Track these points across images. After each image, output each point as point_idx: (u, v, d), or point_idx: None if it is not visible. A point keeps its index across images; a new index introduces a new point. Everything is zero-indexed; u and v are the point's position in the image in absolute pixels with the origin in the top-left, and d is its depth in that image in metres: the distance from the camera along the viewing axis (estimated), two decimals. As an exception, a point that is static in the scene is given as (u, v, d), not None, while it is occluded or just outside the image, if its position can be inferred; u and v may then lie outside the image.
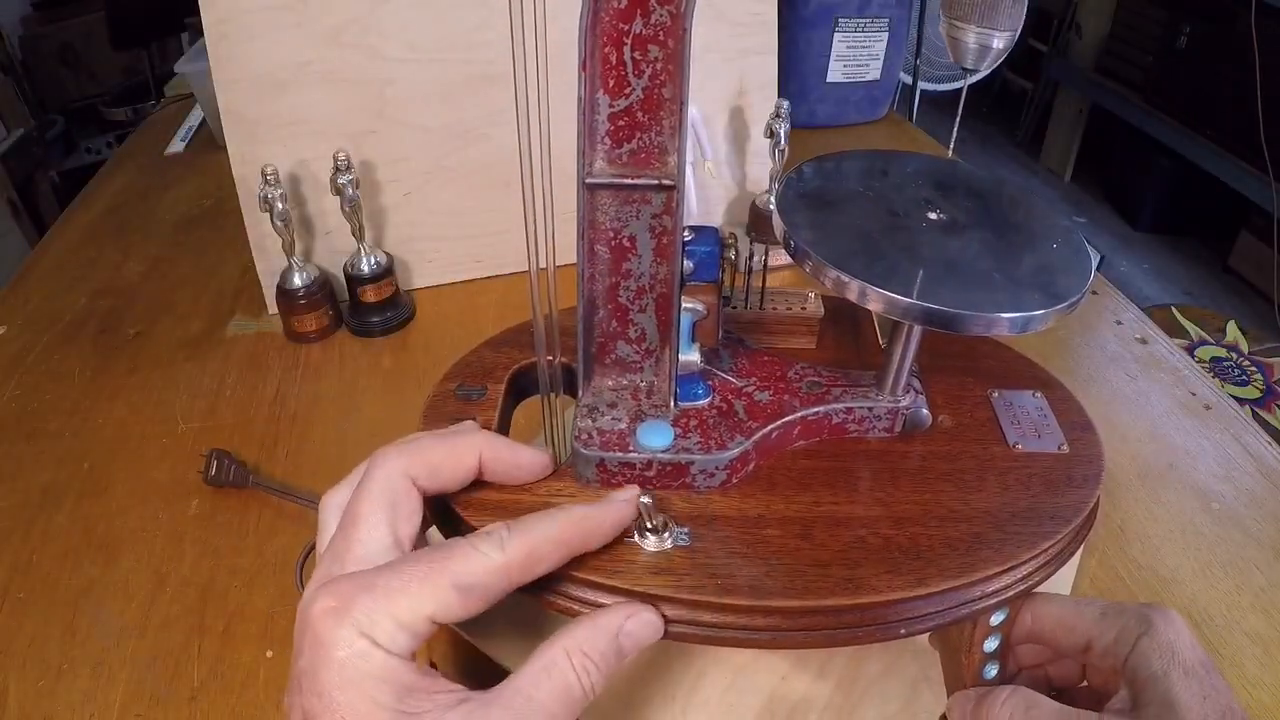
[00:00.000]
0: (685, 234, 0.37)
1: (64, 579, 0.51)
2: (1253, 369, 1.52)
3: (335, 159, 0.65)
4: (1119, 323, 0.73)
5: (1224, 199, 2.13)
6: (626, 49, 0.32)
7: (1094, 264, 0.36)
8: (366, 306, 0.71)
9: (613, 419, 0.39)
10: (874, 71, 1.05)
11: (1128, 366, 0.68)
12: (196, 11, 0.64)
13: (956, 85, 1.52)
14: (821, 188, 0.41)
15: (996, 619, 0.37)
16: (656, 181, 0.35)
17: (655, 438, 0.38)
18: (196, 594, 0.50)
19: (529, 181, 0.34)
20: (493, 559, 0.30)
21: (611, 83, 0.33)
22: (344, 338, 0.72)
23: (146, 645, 0.47)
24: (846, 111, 1.08)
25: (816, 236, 0.36)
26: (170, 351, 0.71)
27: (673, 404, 0.40)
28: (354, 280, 0.70)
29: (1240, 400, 1.22)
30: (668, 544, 0.35)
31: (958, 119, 0.41)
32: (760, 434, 0.38)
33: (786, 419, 0.39)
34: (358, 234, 0.69)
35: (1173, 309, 1.67)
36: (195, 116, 1.16)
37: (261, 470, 0.58)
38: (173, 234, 0.89)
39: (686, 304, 0.38)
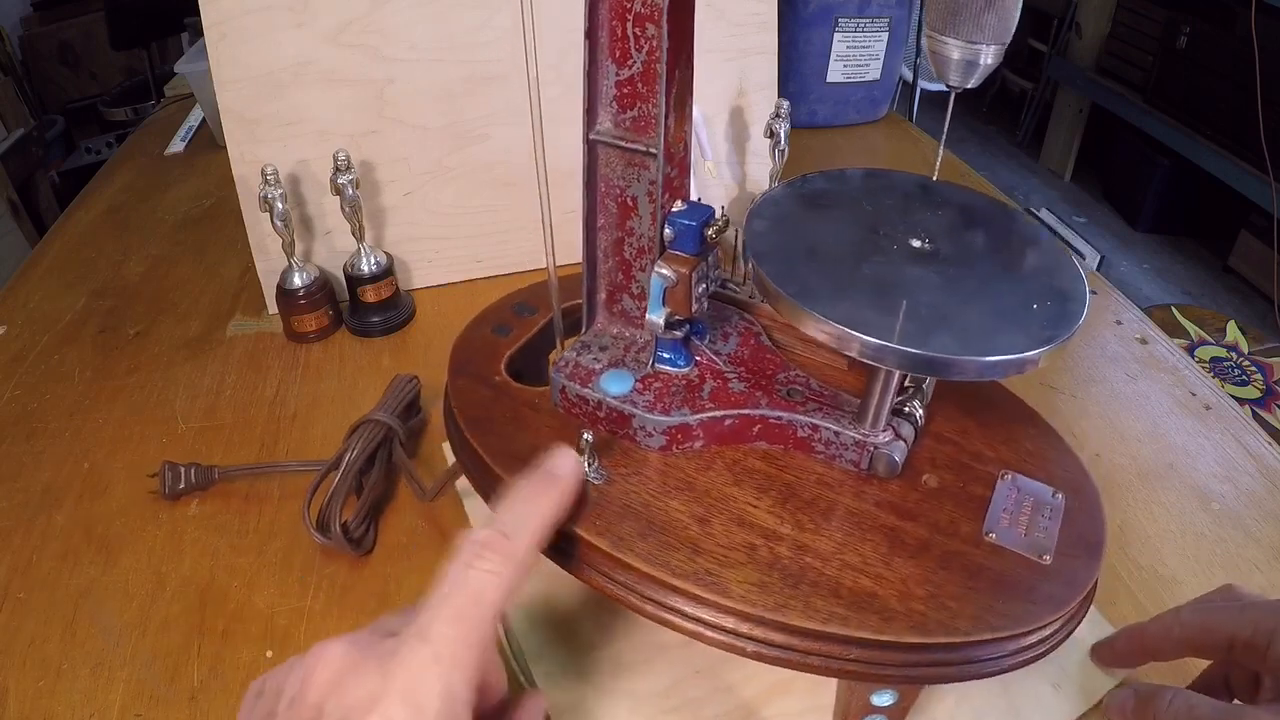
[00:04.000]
0: (678, 205, 0.40)
1: (64, 579, 0.51)
2: (1253, 369, 1.52)
3: (335, 159, 0.65)
4: (1119, 323, 0.73)
5: (1224, 199, 2.13)
6: (629, 24, 0.35)
7: (1084, 308, 0.35)
8: (366, 306, 0.71)
9: (594, 359, 0.42)
10: (874, 71, 1.05)
11: (1128, 366, 0.68)
12: (196, 11, 0.64)
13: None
14: (803, 200, 0.41)
15: (880, 699, 0.36)
16: (646, 149, 0.38)
17: (614, 384, 0.41)
18: (196, 594, 0.50)
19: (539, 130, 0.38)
20: (505, 574, 0.31)
21: (618, 53, 0.36)
22: (344, 338, 0.72)
23: (146, 645, 0.47)
24: (846, 111, 1.08)
25: (768, 247, 0.36)
26: (170, 351, 0.71)
27: (650, 363, 0.42)
28: (354, 280, 0.70)
29: (1240, 400, 1.21)
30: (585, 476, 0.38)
31: (944, 134, 0.40)
32: (708, 415, 0.39)
33: (743, 412, 0.40)
34: (358, 234, 0.69)
35: (1173, 309, 1.66)
36: (195, 116, 1.15)
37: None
38: (173, 234, 0.89)
39: (658, 269, 0.39)
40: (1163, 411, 0.63)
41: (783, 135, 0.73)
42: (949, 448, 0.41)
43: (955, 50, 0.34)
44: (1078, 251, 2.14)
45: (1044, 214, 2.39)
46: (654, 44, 0.35)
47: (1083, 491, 0.39)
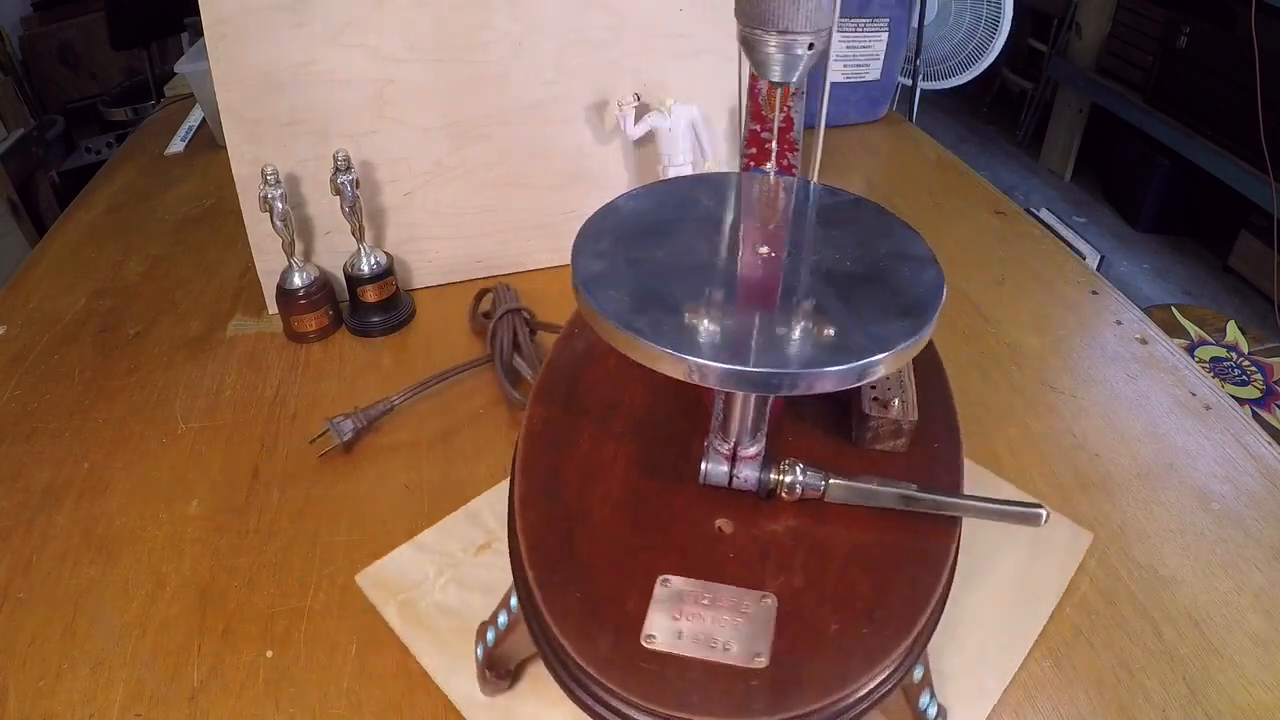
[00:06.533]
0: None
1: (64, 579, 0.51)
2: (1253, 369, 1.52)
3: (335, 159, 0.65)
4: (1119, 323, 0.73)
5: (1224, 199, 2.13)
6: None
7: (940, 300, 0.31)
8: (366, 306, 0.71)
9: None
10: (874, 71, 1.05)
11: (1128, 366, 0.68)
12: (196, 11, 0.64)
13: (956, 83, 1.52)
14: (637, 215, 0.39)
15: (502, 617, 0.41)
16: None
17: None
18: (196, 594, 0.50)
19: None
20: None
21: None
22: (344, 338, 0.72)
23: (146, 645, 0.47)
24: (846, 111, 1.08)
25: (593, 270, 0.34)
26: (170, 351, 0.71)
27: None
28: (354, 280, 0.70)
29: (1240, 400, 1.21)
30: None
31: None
32: None
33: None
34: (358, 234, 0.69)
35: (1173, 309, 1.67)
36: (195, 116, 1.16)
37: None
38: (173, 234, 0.89)
39: None
40: (1163, 411, 0.63)
41: (783, 135, 0.73)
42: (797, 547, 0.36)
43: (772, 43, 0.34)
44: (1077, 252, 2.14)
45: (1044, 214, 2.39)
46: None
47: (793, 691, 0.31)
